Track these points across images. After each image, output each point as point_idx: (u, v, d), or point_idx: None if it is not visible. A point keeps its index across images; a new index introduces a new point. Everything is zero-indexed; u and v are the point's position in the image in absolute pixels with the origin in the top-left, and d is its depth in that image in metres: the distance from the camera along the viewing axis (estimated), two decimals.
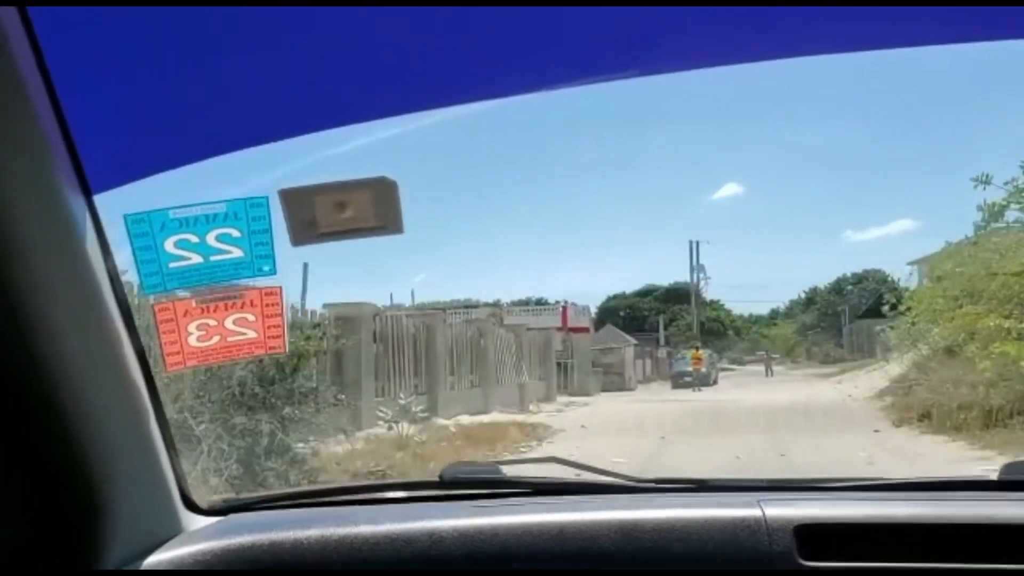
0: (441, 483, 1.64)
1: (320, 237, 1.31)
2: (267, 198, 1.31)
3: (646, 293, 53.73)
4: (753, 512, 1.41)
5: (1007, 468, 1.59)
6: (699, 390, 28.00)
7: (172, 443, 1.39)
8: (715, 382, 32.49)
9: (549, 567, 1.39)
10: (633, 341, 35.25)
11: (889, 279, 50.70)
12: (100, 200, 1.20)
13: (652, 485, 1.66)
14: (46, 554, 1.21)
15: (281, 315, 1.38)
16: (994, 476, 1.59)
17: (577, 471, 1.84)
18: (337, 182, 1.33)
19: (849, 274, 54.28)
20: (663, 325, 43.96)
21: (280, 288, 1.36)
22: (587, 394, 23.92)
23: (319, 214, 1.31)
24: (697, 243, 47.28)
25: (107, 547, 1.25)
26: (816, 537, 1.38)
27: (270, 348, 1.39)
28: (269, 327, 1.38)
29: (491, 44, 1.18)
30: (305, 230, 1.30)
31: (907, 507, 1.45)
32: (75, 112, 1.10)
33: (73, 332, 1.14)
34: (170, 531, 1.40)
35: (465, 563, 1.38)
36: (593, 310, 47.48)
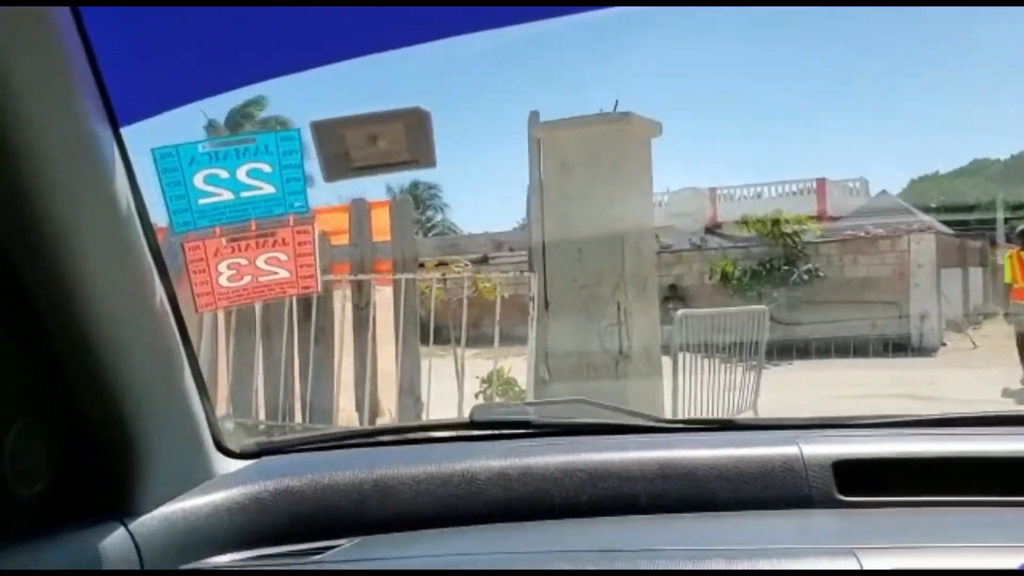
0: (472, 423, 1.63)
1: (354, 172, 1.27)
2: (299, 131, 1.26)
3: (975, 172, 32.34)
4: (791, 450, 1.41)
5: None
6: None
7: (204, 386, 1.36)
8: None
9: (584, 506, 1.38)
10: (925, 219, 17.45)
11: None
12: (127, 133, 1.15)
13: (682, 426, 1.65)
14: (80, 498, 1.20)
15: (314, 253, 1.34)
16: None
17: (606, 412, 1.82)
18: (369, 113, 1.28)
19: None
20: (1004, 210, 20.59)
21: (313, 225, 1.32)
22: None
23: (351, 147, 1.27)
24: None
25: (141, 491, 1.24)
26: (853, 473, 1.38)
27: (303, 288, 1.36)
28: (302, 266, 1.34)
29: None
30: (338, 164, 1.26)
31: (941, 443, 1.46)
32: (102, 41, 1.05)
33: (103, 272, 1.11)
34: (204, 475, 1.39)
35: (500, 503, 1.38)
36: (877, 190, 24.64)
